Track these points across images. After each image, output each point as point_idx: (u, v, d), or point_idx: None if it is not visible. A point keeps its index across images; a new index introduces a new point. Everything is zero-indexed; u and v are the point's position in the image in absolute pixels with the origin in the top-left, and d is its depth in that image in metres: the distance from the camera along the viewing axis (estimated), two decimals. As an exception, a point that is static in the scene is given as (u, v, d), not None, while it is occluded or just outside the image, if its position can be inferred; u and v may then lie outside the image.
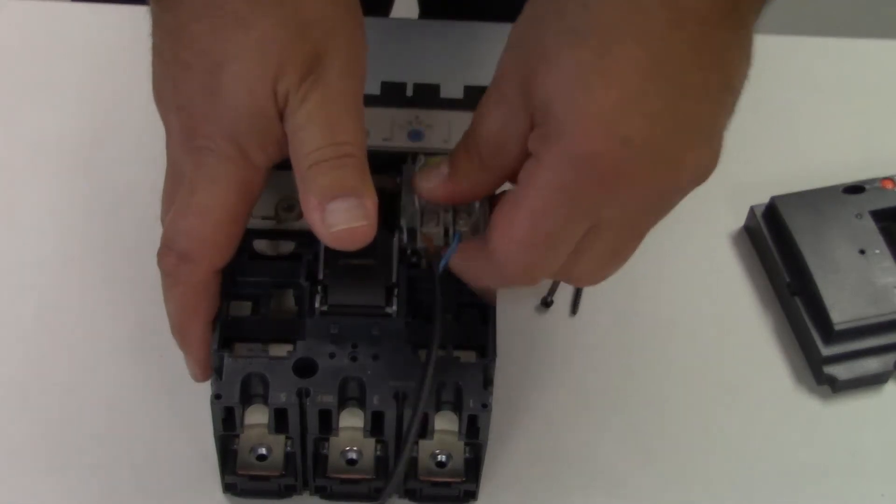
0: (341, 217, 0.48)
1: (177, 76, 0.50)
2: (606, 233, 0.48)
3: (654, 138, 0.45)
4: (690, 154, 0.46)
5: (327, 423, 0.53)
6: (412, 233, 0.54)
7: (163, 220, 0.54)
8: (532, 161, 0.47)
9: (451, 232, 0.53)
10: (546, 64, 0.46)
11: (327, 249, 0.54)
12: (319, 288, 0.53)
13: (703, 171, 0.46)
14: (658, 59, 0.44)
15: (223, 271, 0.53)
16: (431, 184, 0.51)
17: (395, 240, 0.54)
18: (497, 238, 0.48)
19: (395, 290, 0.53)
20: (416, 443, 0.53)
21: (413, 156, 0.55)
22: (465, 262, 0.52)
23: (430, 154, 0.55)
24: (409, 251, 0.54)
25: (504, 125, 0.48)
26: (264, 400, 0.52)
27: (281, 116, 0.49)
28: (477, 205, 0.53)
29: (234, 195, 0.50)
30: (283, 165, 0.55)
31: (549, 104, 0.45)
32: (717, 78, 0.46)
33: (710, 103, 0.46)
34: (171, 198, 0.52)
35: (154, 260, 0.53)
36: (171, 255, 0.52)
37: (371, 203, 0.49)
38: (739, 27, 0.46)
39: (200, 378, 0.55)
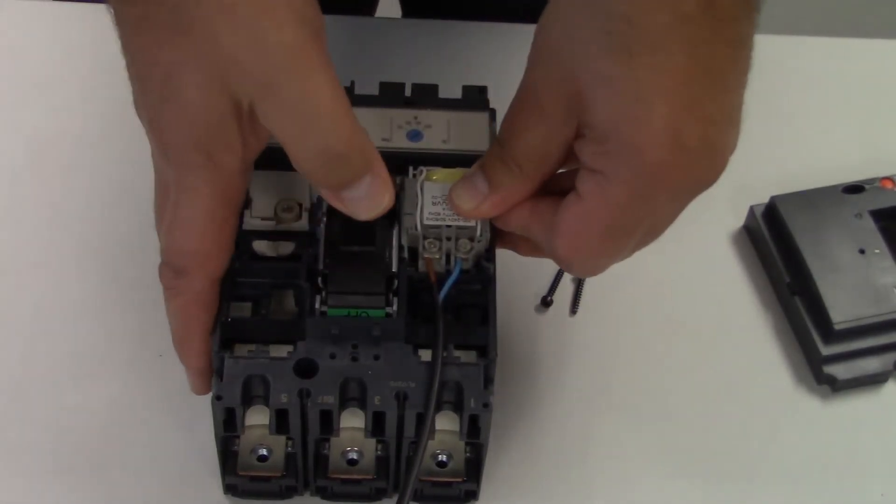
0: (363, 206, 0.50)
1: (138, 90, 0.50)
2: (657, 224, 0.51)
3: (708, 138, 0.47)
4: (730, 140, 0.49)
5: (328, 423, 0.53)
6: (413, 252, 0.54)
7: (158, 231, 0.54)
8: (596, 176, 0.48)
9: (452, 258, 0.53)
10: (600, 84, 0.47)
11: (327, 240, 0.54)
12: (320, 280, 0.53)
13: (733, 149, 0.49)
14: (704, 64, 0.46)
15: (222, 280, 0.53)
16: (472, 202, 0.52)
17: (395, 233, 0.55)
18: (565, 249, 0.51)
19: (395, 284, 0.53)
20: (424, 447, 0.53)
21: (413, 168, 0.55)
22: (523, 229, 0.53)
23: (429, 159, 0.55)
24: (406, 254, 0.54)
25: (547, 139, 0.50)
26: (265, 401, 0.52)
27: (248, 115, 0.48)
28: (479, 232, 0.53)
29: (213, 204, 0.50)
30: (283, 165, 0.56)
31: (611, 123, 0.47)
32: (745, 66, 0.48)
33: (741, 89, 0.48)
34: (161, 209, 0.52)
35: (154, 261, 0.54)
36: (168, 270, 0.52)
37: (379, 165, 0.49)
38: (756, 14, 0.48)
39: (200, 391, 0.55)
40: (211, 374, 0.53)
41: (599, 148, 0.48)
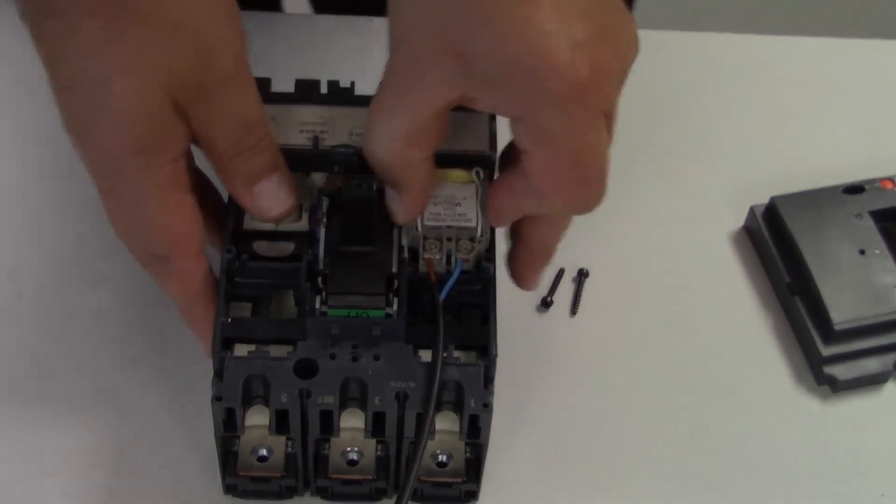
0: (273, 201, 0.53)
1: (64, 103, 0.51)
2: (612, 109, 0.50)
3: (600, 25, 0.47)
4: (622, 18, 0.49)
5: (328, 423, 0.53)
6: (413, 253, 0.54)
7: (121, 236, 0.55)
8: (523, 123, 0.48)
9: (453, 259, 0.54)
10: (478, 28, 0.46)
11: (328, 240, 0.54)
12: (320, 280, 0.53)
13: (629, 22, 0.49)
14: None
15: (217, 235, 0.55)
16: (400, 211, 0.53)
17: (395, 233, 0.55)
18: (568, 197, 0.50)
19: (395, 284, 0.54)
20: (424, 447, 0.53)
21: None
22: (519, 211, 0.53)
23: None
24: (406, 253, 0.54)
25: (439, 108, 0.49)
26: (265, 401, 0.52)
27: (178, 112, 0.50)
28: (479, 232, 0.54)
29: (166, 195, 0.52)
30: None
31: (502, 61, 0.46)
32: None
33: None
34: (115, 215, 0.54)
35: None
36: (150, 259, 0.54)
37: (286, 170, 0.54)
38: None
39: (210, 354, 0.55)
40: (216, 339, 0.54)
41: (504, 92, 0.48)
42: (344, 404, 0.53)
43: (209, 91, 0.50)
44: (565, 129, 0.48)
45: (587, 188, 0.50)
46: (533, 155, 0.49)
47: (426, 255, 0.54)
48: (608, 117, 0.49)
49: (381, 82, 0.50)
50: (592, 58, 0.46)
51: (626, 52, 0.49)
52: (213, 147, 0.52)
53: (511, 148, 0.52)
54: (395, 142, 0.51)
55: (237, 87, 0.51)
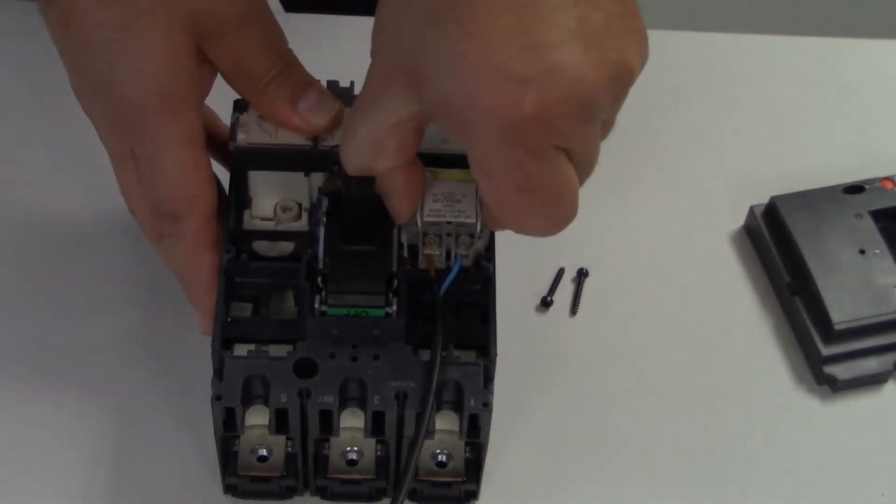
0: (319, 113, 0.54)
1: (79, 62, 0.51)
2: (579, 152, 0.47)
3: (541, 59, 0.44)
4: (572, 49, 0.45)
5: (328, 423, 0.53)
6: (413, 250, 0.54)
7: (132, 210, 0.55)
8: (470, 152, 0.47)
9: (452, 255, 0.54)
10: (428, 59, 0.45)
11: (327, 238, 0.54)
12: (320, 280, 0.53)
13: (582, 57, 0.45)
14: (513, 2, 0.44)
15: (218, 222, 0.55)
16: (392, 213, 0.53)
17: (395, 232, 0.55)
18: (511, 224, 0.50)
19: (395, 283, 0.54)
20: (420, 446, 0.53)
21: None
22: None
23: (429, 159, 0.55)
24: (406, 251, 0.54)
25: (395, 124, 0.49)
26: (265, 401, 0.52)
27: (201, 55, 0.51)
28: (479, 228, 0.54)
29: (185, 147, 0.52)
30: (283, 165, 0.56)
31: (446, 91, 0.45)
32: None
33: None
34: (129, 183, 0.54)
35: (154, 261, 0.54)
36: (164, 220, 0.54)
37: (319, 83, 0.55)
38: None
39: (208, 332, 0.55)
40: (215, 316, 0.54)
41: (448, 122, 0.46)
42: (344, 404, 0.53)
43: (238, 21, 0.51)
44: (502, 164, 0.46)
45: (539, 219, 0.49)
46: (479, 184, 0.48)
47: (426, 251, 0.54)
48: (576, 149, 0.47)
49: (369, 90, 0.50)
50: (539, 95, 0.44)
51: (590, 84, 0.45)
52: (249, 76, 0.53)
53: None
54: (360, 153, 0.50)
55: (262, 11, 0.52)
